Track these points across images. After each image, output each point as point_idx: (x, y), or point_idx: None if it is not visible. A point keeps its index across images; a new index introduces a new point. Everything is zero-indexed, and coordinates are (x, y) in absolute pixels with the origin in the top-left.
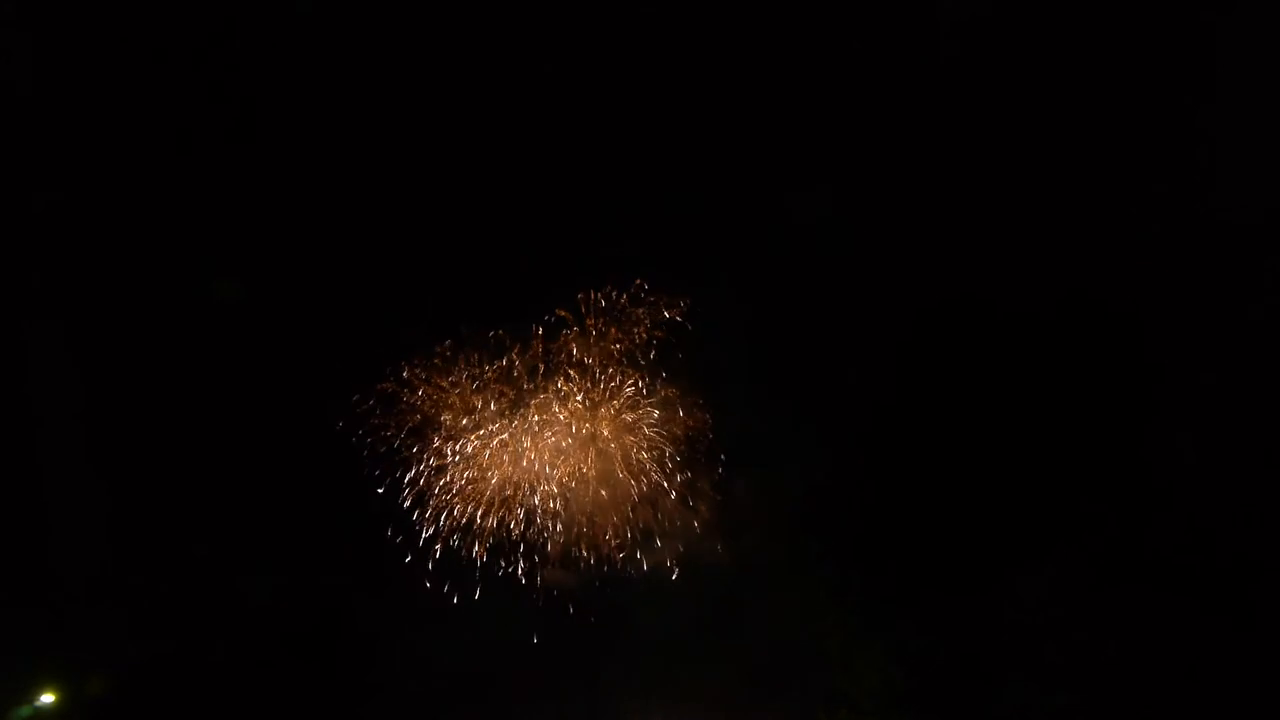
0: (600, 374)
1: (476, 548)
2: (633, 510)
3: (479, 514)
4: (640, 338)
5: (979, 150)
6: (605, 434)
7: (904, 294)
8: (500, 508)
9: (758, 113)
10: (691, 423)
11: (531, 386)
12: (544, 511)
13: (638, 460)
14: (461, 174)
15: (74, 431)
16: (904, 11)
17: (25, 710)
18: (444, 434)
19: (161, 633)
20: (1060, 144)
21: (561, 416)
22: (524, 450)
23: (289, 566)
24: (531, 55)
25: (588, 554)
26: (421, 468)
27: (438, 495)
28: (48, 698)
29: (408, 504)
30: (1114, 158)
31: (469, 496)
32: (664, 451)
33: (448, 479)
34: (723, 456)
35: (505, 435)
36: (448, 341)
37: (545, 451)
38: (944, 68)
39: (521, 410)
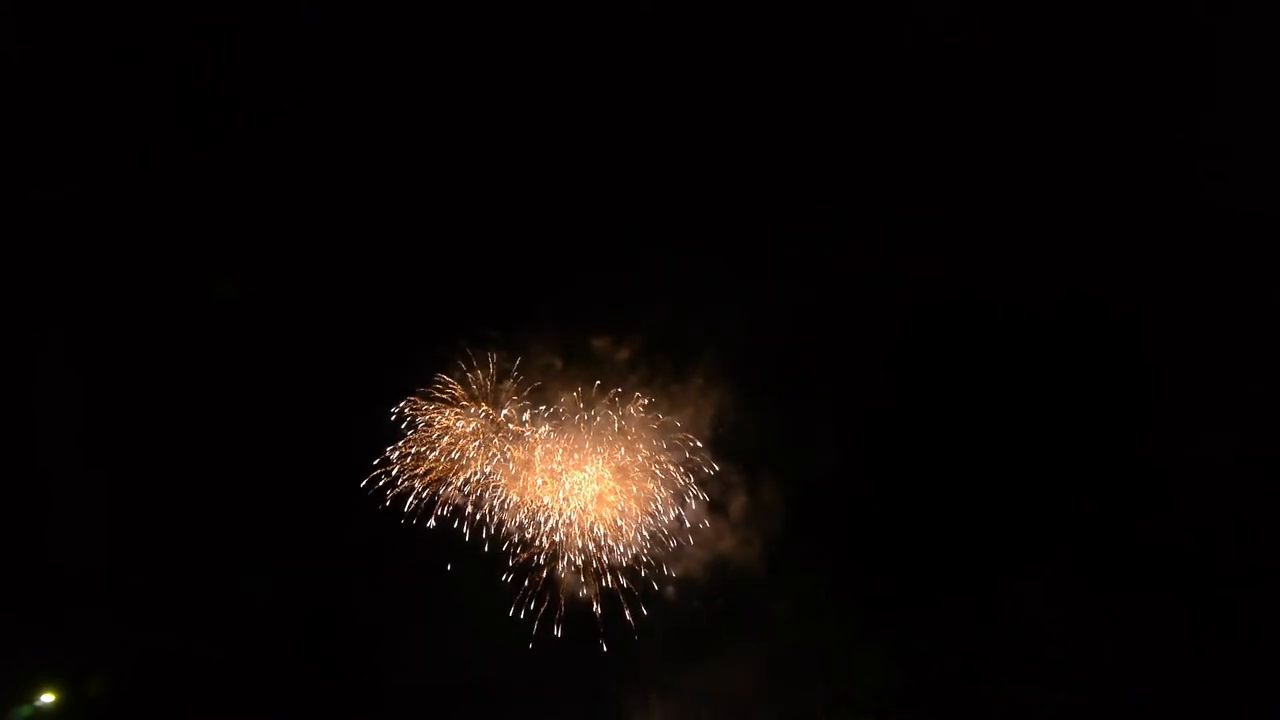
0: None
1: (477, 547)
2: (635, 515)
3: (480, 515)
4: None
5: (979, 149)
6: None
7: (904, 294)
8: (503, 512)
9: (757, 112)
10: (694, 429)
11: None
12: (545, 517)
13: (642, 468)
14: (461, 174)
15: (74, 431)
16: (903, 10)
17: (25, 710)
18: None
19: (161, 632)
20: (1060, 143)
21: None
22: (531, 464)
23: (289, 566)
24: (532, 55)
25: (589, 558)
26: (428, 474)
27: (442, 499)
28: (48, 698)
29: (410, 505)
30: (1113, 157)
31: (472, 499)
32: (668, 458)
33: (454, 484)
34: (724, 458)
35: (510, 449)
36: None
37: (553, 469)
38: (943, 66)
39: (528, 436)
